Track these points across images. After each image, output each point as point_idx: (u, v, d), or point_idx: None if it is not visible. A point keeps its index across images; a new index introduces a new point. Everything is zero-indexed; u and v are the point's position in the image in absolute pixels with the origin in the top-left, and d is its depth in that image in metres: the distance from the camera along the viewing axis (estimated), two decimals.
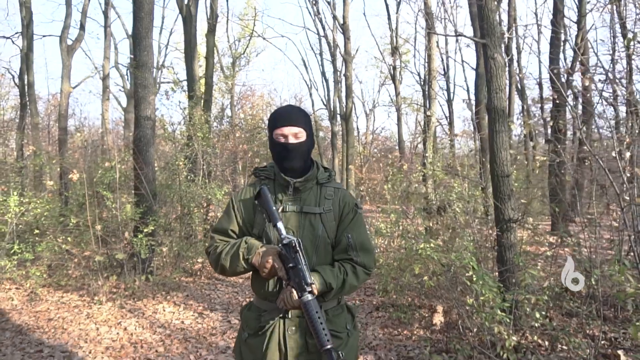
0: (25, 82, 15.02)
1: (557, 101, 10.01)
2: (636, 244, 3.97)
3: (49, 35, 24.34)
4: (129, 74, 23.87)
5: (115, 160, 6.89)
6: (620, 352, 3.85)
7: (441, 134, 23.94)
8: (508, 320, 3.39)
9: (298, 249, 1.74)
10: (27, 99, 14.71)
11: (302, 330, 1.85)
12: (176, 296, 6.36)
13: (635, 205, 3.99)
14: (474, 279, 3.34)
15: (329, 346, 1.62)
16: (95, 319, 5.42)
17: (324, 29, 21.88)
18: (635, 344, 4.15)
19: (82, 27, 15.10)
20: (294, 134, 1.93)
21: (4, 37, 21.57)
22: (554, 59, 11.98)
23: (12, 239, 7.00)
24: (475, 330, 4.11)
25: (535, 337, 4.07)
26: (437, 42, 23.62)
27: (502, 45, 5.04)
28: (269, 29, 56.12)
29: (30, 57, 14.40)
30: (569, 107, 6.74)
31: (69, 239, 7.23)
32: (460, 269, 3.68)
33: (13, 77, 21.74)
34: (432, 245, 4.05)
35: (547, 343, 4.02)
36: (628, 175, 4.75)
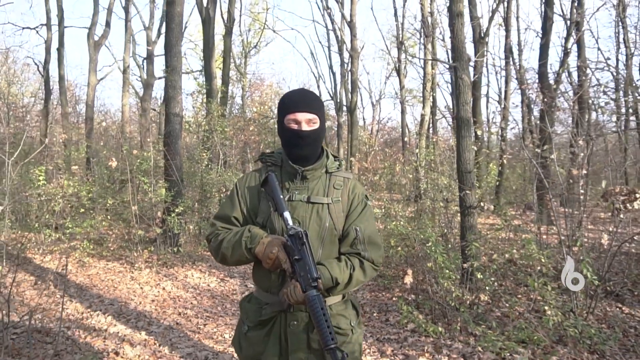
0: (57, 74, 16.32)
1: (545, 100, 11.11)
2: (566, 229, 5.16)
3: (71, 27, 25.43)
4: (145, 64, 25.08)
5: (151, 151, 8.13)
6: (546, 307, 5.04)
7: (446, 125, 25.11)
8: (454, 278, 4.60)
9: (305, 240, 1.67)
10: (59, 91, 15.98)
11: (304, 324, 1.80)
12: (201, 266, 7.63)
13: (560, 196, 5.16)
14: (432, 248, 4.56)
15: (332, 345, 1.55)
16: (139, 281, 6.69)
17: (332, 22, 22.90)
18: (562, 302, 5.34)
19: (107, 25, 16.35)
20: (307, 120, 1.83)
21: (28, 27, 22.91)
22: (542, 64, 13.09)
23: (61, 216, 8.29)
24: (441, 292, 5.32)
25: (486, 297, 5.29)
26: (443, 37, 24.69)
27: (469, 68, 6.17)
28: (278, 21, 57.05)
29: (61, 52, 15.68)
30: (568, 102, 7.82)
31: (108, 217, 8.53)
32: (424, 240, 4.87)
33: (38, 66, 23.03)
34: (401, 223, 5.26)
35: (491, 301, 5.23)
36: (585, 172, 5.93)
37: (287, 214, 1.75)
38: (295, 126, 1.82)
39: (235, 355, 2.31)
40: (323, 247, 1.83)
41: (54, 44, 18.84)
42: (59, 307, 5.31)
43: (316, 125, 1.85)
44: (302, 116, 1.82)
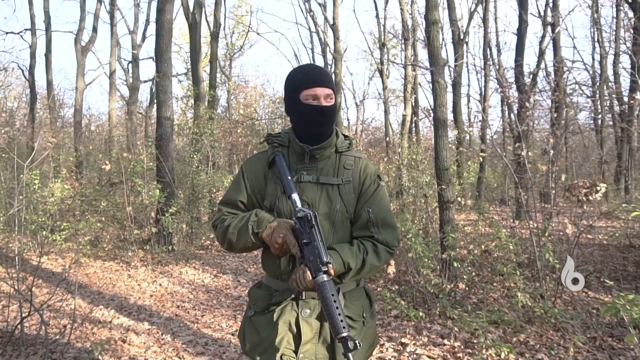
0: (41, 78, 16.43)
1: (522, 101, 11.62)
2: (536, 221, 5.60)
3: (55, 31, 25.48)
4: (130, 68, 25.25)
5: (143, 154, 8.43)
6: (518, 293, 5.48)
7: (429, 125, 25.59)
8: (434, 267, 5.01)
9: (314, 223, 1.57)
10: (47, 96, 16.14)
11: (317, 313, 1.71)
12: (194, 263, 7.96)
13: (529, 190, 5.60)
14: (412, 239, 4.96)
15: (344, 333, 1.46)
16: (136, 278, 7.00)
17: (315, 25, 23.28)
18: (534, 288, 5.78)
19: (94, 30, 16.55)
20: (325, 96, 1.73)
21: (12, 32, 22.90)
22: (518, 65, 13.61)
23: (57, 218, 8.55)
24: (422, 281, 5.73)
25: (463, 285, 5.71)
26: (424, 38, 25.25)
27: (445, 71, 6.59)
28: (262, 24, 57.43)
29: (49, 58, 15.80)
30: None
31: (102, 218, 8.81)
32: (405, 233, 5.27)
33: (22, 71, 23.02)
34: None
35: (468, 289, 5.66)
36: (556, 168, 6.37)
37: (295, 196, 1.68)
38: (314, 102, 1.73)
39: (239, 345, 2.24)
40: (335, 231, 1.74)
41: (39, 49, 18.98)
42: (62, 303, 5.63)
43: (333, 102, 1.77)
44: (321, 91, 1.73)
